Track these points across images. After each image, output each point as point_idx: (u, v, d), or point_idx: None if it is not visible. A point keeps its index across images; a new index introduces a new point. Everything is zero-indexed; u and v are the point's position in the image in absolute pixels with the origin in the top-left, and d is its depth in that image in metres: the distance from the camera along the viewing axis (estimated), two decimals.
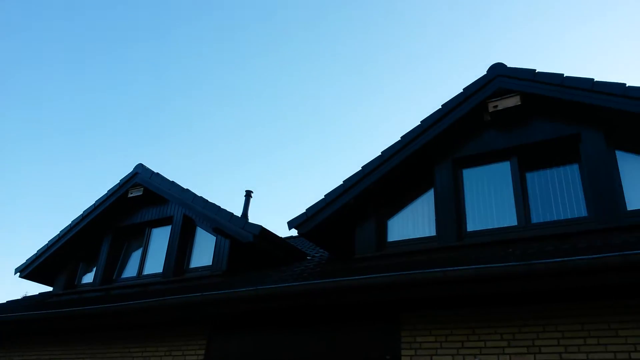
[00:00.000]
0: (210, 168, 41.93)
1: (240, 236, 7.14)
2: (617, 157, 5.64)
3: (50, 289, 9.80)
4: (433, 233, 6.23)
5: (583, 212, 5.61)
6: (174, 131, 39.12)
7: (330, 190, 6.54)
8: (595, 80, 5.54)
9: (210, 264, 7.71)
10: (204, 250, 8.10)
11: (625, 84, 5.36)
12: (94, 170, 38.27)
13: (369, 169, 6.41)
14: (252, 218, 10.71)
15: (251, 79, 36.66)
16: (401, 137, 6.40)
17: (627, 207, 5.38)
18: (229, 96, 38.21)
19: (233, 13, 31.67)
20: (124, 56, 31.90)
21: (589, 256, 4.21)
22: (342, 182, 6.53)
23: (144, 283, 8.22)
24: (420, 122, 6.37)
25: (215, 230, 7.42)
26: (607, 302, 4.57)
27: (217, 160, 41.78)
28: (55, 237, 9.30)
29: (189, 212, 8.25)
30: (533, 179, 6.08)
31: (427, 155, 6.47)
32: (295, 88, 40.09)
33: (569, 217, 5.65)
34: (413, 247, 6.20)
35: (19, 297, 10.71)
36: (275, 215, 37.48)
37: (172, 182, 8.59)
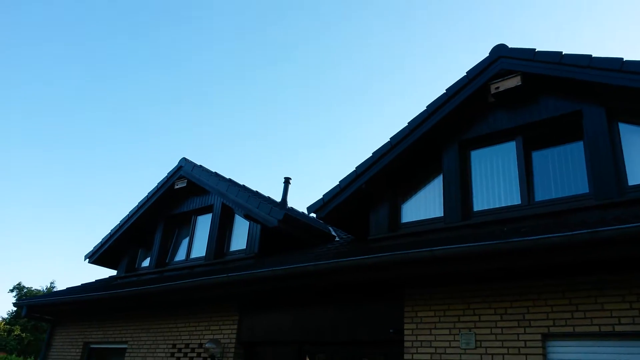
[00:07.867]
0: (253, 159, 42.87)
1: (267, 221, 7.73)
2: (620, 131, 5.60)
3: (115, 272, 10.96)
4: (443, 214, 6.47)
5: (586, 189, 5.64)
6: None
7: (344, 176, 6.94)
8: (593, 56, 5.51)
9: (245, 247, 8.38)
10: (241, 235, 8.79)
11: (622, 59, 5.30)
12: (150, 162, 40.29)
13: (377, 155, 6.72)
14: (299, 202, 11.26)
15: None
16: (408, 123, 6.64)
17: (629, 182, 5.37)
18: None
19: None
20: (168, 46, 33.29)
21: (566, 233, 4.35)
22: (354, 169, 6.90)
23: (191, 265, 9.07)
24: (426, 106, 6.58)
25: (246, 216, 8.06)
26: (594, 277, 4.72)
27: (261, 151, 42.59)
28: (116, 226, 10.38)
29: (225, 200, 8.95)
30: (539, 157, 6.14)
31: (434, 139, 6.67)
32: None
33: (572, 194, 5.70)
34: (423, 228, 6.48)
35: (92, 280, 11.97)
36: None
37: (212, 172, 9.32)
